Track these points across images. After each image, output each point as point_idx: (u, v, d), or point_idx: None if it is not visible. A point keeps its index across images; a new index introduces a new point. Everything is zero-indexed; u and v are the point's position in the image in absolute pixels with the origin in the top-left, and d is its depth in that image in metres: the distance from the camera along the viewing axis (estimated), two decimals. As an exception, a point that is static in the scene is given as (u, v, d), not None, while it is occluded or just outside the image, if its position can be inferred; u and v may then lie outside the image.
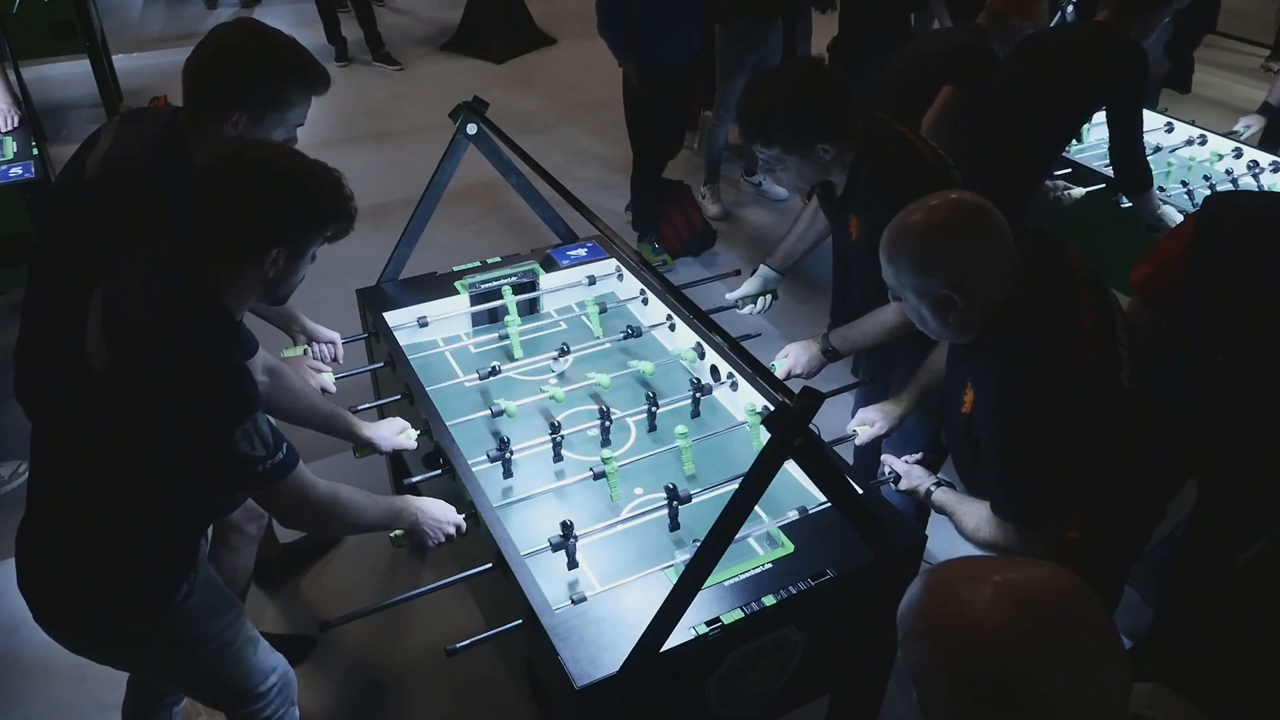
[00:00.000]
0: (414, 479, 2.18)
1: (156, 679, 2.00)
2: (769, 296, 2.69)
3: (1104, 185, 3.44)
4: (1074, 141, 3.90)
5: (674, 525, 1.98)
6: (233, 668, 1.83)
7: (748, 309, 2.69)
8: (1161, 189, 3.49)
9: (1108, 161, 3.32)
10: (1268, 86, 4.37)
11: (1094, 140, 3.93)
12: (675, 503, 1.95)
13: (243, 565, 2.36)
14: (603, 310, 2.69)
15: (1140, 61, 2.98)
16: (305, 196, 1.57)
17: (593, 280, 2.82)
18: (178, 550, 1.70)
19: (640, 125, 4.47)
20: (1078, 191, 3.42)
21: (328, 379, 2.32)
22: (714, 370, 2.43)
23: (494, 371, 2.38)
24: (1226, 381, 2.11)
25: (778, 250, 2.68)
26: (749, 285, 2.68)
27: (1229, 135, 3.94)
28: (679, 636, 1.64)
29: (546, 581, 1.80)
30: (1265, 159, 3.70)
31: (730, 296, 2.67)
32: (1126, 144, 3.10)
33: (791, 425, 1.46)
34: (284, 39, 1.95)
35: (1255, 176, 3.64)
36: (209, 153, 1.59)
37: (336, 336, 2.47)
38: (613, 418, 2.24)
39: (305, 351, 2.44)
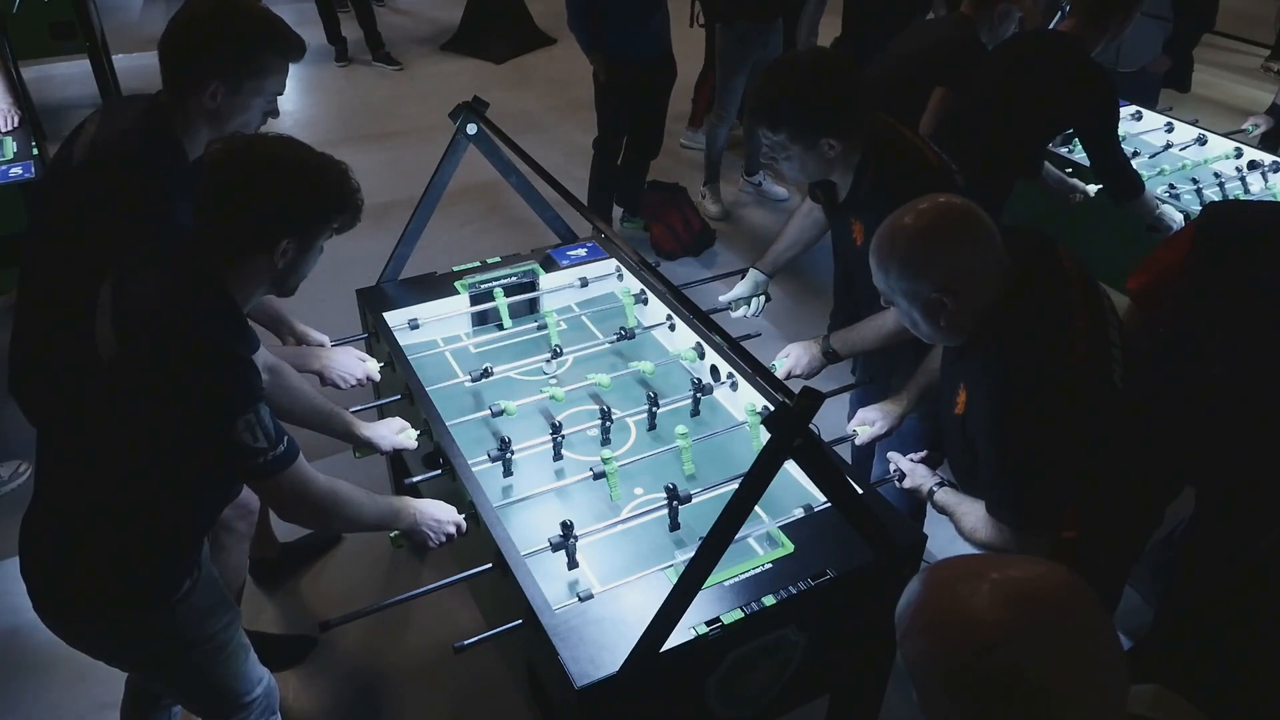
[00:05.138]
0: (414, 479, 2.19)
1: (148, 677, 2.01)
2: (761, 299, 2.69)
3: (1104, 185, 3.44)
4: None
5: (674, 525, 1.98)
6: (224, 672, 1.84)
7: (740, 311, 2.69)
8: (1173, 187, 3.49)
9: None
10: (1268, 86, 4.37)
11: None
12: (675, 503, 1.95)
13: (236, 565, 2.36)
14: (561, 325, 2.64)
15: (1102, 88, 2.94)
16: (313, 188, 1.59)
17: (585, 282, 2.81)
18: (181, 544, 1.71)
19: (603, 119, 4.49)
20: (1090, 189, 3.41)
21: (372, 367, 2.34)
22: (714, 370, 2.42)
23: (486, 373, 2.37)
24: (1224, 392, 2.10)
25: (767, 254, 2.67)
26: (740, 288, 2.67)
27: (1235, 134, 3.93)
28: (679, 636, 1.64)
29: (546, 581, 1.80)
30: (1266, 159, 3.70)
31: (723, 299, 2.67)
32: (1103, 159, 3.07)
33: (791, 425, 1.46)
34: (256, 6, 1.94)
35: (1262, 176, 3.63)
36: (216, 146, 1.60)
37: (326, 339, 2.44)
38: (613, 418, 2.24)
39: None
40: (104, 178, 1.89)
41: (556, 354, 2.47)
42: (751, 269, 2.68)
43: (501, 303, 2.67)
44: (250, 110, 1.96)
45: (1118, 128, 3.12)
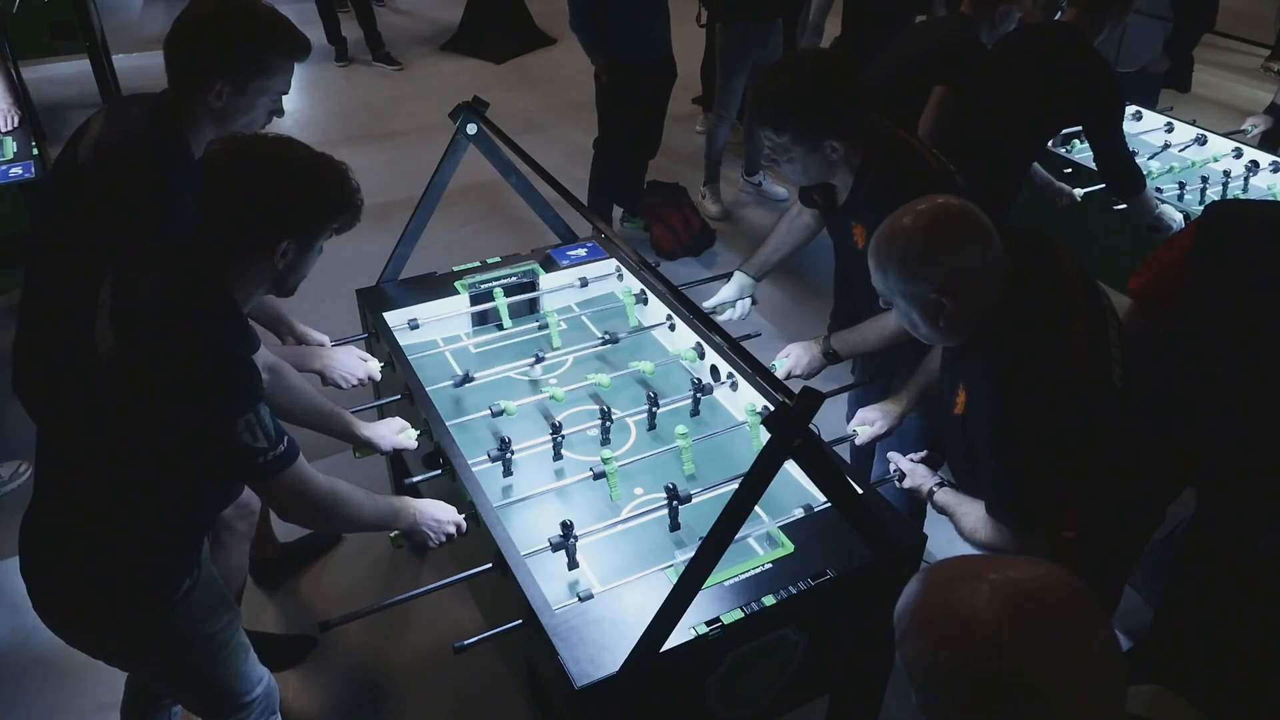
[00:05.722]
0: (414, 479, 2.19)
1: (148, 677, 2.01)
2: (747, 302, 2.66)
3: (1103, 185, 3.44)
4: (1076, 142, 3.90)
5: (674, 525, 1.98)
6: (224, 672, 1.84)
7: (726, 315, 2.65)
8: (1159, 190, 3.49)
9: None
10: (1268, 86, 4.37)
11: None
12: (675, 503, 1.95)
13: (236, 565, 2.36)
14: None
15: (1107, 79, 2.94)
16: (314, 189, 1.59)
17: (585, 282, 2.81)
18: (181, 544, 1.71)
19: (604, 119, 4.49)
20: (1078, 193, 3.41)
21: (373, 367, 2.34)
22: (714, 370, 2.42)
23: (467, 378, 2.35)
24: (1225, 393, 2.10)
25: (754, 257, 2.64)
26: (726, 291, 2.64)
27: (1235, 134, 3.93)
28: (679, 636, 1.64)
29: (546, 581, 1.80)
30: (1265, 159, 3.70)
31: (708, 304, 2.62)
32: (1107, 153, 3.07)
33: (791, 425, 1.46)
34: (262, 6, 1.95)
35: (1244, 180, 3.62)
36: (216, 147, 1.60)
37: (325, 339, 2.44)
38: (613, 418, 2.24)
39: None
40: (109, 177, 1.89)
41: (539, 359, 2.44)
42: (737, 271, 2.64)
43: (501, 303, 2.67)
44: (255, 109, 1.97)
45: (1123, 120, 3.12)
